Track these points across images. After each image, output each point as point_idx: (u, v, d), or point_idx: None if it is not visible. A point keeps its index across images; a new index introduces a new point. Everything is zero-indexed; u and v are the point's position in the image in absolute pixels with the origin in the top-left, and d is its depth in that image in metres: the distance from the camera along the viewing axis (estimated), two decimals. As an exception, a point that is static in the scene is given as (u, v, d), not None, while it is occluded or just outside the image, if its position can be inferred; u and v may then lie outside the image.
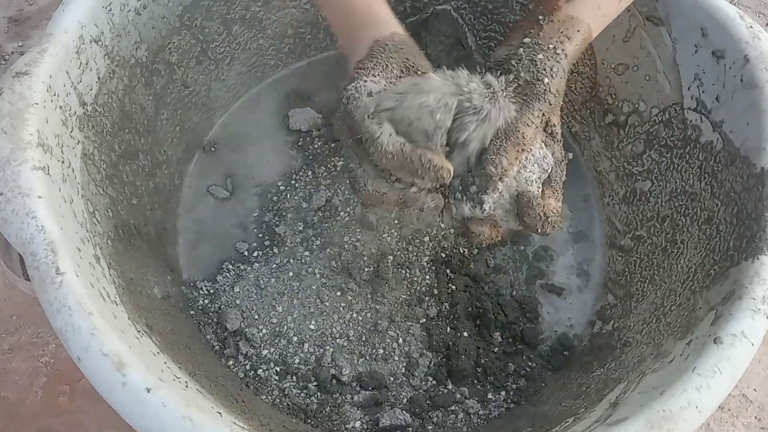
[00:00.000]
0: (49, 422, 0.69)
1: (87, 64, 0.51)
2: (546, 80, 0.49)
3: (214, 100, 0.71)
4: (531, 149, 0.47)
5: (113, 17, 0.54)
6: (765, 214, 0.47)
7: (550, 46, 0.51)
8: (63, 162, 0.46)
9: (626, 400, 0.45)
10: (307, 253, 0.65)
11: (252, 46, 0.71)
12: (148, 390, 0.36)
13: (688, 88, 0.57)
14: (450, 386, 0.59)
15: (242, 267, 0.65)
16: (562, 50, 0.51)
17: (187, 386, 0.42)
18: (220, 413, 0.41)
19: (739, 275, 0.45)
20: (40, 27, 0.97)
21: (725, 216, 0.51)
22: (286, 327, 0.61)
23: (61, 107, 0.47)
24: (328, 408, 0.57)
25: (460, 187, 0.47)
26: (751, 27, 0.53)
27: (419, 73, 0.49)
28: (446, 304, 0.63)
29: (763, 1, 1.07)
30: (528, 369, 0.61)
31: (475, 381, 0.60)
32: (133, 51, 0.57)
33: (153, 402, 0.36)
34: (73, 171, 0.47)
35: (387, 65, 0.48)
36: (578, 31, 0.52)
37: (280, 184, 0.70)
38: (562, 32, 0.52)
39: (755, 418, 0.73)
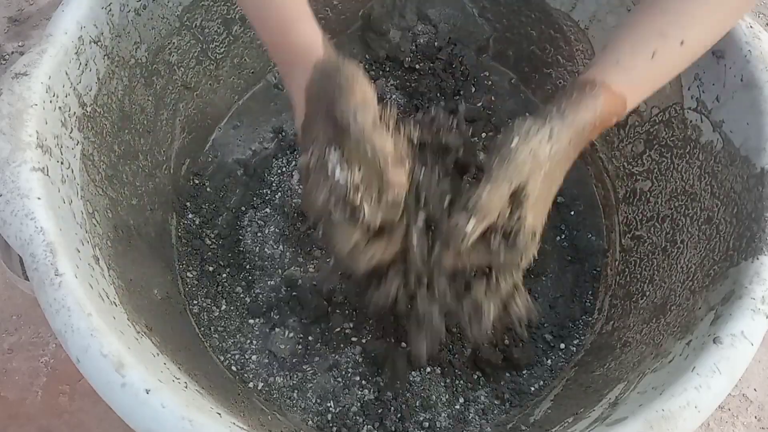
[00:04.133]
0: (49, 422, 0.69)
1: (86, 64, 0.51)
2: (513, 143, 0.45)
3: (215, 100, 0.71)
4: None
5: (113, 18, 0.54)
6: (765, 214, 0.47)
7: (546, 115, 0.47)
8: (62, 163, 0.46)
9: (626, 400, 0.45)
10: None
11: (252, 45, 0.71)
12: (148, 391, 0.36)
13: (689, 88, 0.57)
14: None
15: (242, 266, 0.65)
16: (559, 114, 0.46)
17: (186, 387, 0.42)
18: (219, 414, 0.41)
19: (738, 275, 0.45)
20: (40, 27, 0.97)
21: (725, 216, 0.51)
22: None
23: (60, 108, 0.47)
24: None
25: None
26: (751, 27, 0.53)
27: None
28: None
29: (764, 1, 1.06)
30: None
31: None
32: (133, 51, 0.57)
33: (152, 403, 0.36)
34: (72, 172, 0.47)
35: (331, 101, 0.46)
36: (591, 95, 0.47)
37: (279, 184, 0.71)
38: (568, 98, 0.47)
39: (755, 418, 0.73)
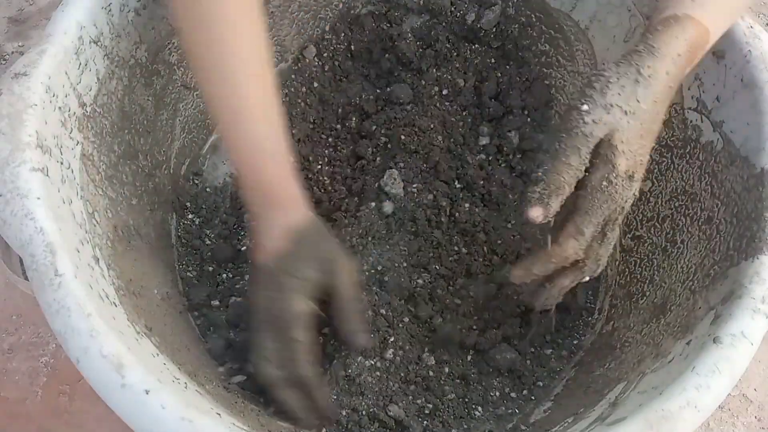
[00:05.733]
0: (49, 422, 0.69)
1: (86, 64, 0.51)
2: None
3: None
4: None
5: (113, 18, 0.54)
6: (765, 214, 0.47)
7: (629, 69, 0.46)
8: (62, 163, 0.46)
9: (626, 400, 0.45)
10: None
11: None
12: (147, 391, 0.36)
13: (689, 88, 0.57)
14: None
15: (243, 266, 0.65)
16: (645, 70, 0.46)
17: (186, 387, 0.42)
18: (219, 414, 0.41)
19: (738, 275, 0.45)
20: (40, 27, 0.97)
21: (725, 216, 0.51)
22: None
23: (60, 108, 0.47)
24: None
25: None
26: (751, 27, 0.53)
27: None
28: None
29: (763, 1, 1.06)
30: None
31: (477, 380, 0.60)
32: (133, 51, 0.57)
33: (152, 403, 0.36)
34: (72, 172, 0.47)
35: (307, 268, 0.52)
36: (679, 25, 0.47)
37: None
38: (654, 34, 0.48)
39: (755, 418, 0.73)
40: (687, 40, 0.47)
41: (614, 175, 0.46)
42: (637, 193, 0.49)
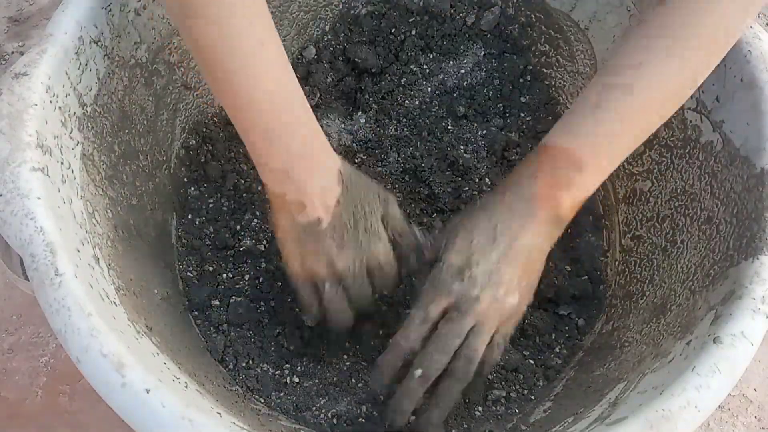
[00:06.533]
0: (49, 422, 0.69)
1: (86, 64, 0.51)
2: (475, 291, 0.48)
3: (214, 100, 0.71)
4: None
5: (113, 18, 0.54)
6: (765, 214, 0.47)
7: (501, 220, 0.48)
8: (62, 163, 0.46)
9: (626, 400, 0.45)
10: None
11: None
12: (148, 391, 0.36)
13: (688, 88, 0.57)
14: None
15: (243, 266, 0.65)
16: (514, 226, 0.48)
17: (186, 387, 0.42)
18: (219, 414, 0.41)
19: (738, 275, 0.45)
20: (40, 27, 0.97)
21: (725, 216, 0.51)
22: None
23: (60, 108, 0.47)
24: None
25: None
26: (751, 27, 0.53)
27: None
28: None
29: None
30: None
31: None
32: (133, 51, 0.57)
33: (152, 402, 0.36)
34: (72, 172, 0.47)
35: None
36: (527, 161, 0.49)
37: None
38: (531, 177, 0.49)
39: (755, 418, 0.73)
40: (532, 175, 0.49)
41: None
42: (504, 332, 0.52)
